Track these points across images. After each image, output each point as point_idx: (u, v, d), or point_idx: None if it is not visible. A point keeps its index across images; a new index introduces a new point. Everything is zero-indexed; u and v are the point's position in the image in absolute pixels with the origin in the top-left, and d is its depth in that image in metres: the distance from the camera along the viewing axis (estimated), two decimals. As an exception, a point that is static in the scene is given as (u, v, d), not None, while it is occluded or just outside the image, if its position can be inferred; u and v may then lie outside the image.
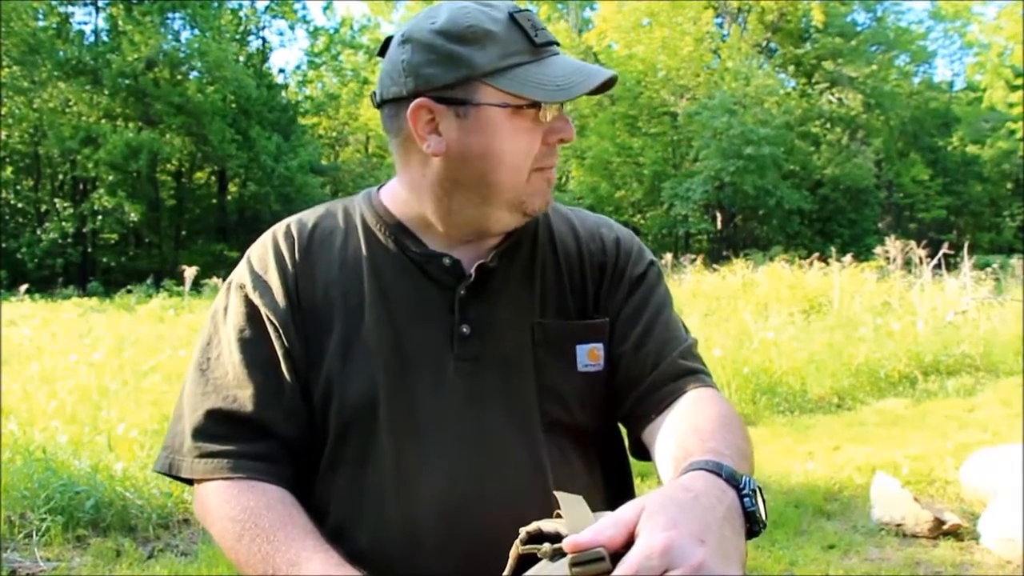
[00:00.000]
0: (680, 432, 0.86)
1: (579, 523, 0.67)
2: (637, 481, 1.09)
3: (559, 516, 0.72)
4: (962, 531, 3.20)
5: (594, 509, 0.74)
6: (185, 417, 0.94)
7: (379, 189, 1.05)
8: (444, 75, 0.89)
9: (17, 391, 5.15)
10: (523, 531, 0.72)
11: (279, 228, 1.03)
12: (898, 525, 3.25)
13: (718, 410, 0.89)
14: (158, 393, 5.06)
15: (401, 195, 1.00)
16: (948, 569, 2.92)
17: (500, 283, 0.98)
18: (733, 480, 0.70)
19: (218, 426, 0.92)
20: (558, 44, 0.93)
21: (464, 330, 0.95)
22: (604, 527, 0.62)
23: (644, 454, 0.99)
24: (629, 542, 0.61)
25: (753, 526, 0.69)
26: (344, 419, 0.94)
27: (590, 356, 0.99)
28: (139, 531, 3.23)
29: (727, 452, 0.76)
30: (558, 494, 0.72)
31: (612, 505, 0.71)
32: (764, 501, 0.72)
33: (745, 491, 0.69)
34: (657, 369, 0.96)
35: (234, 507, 0.87)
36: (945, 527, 3.19)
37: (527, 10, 0.93)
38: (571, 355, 0.98)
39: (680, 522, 0.60)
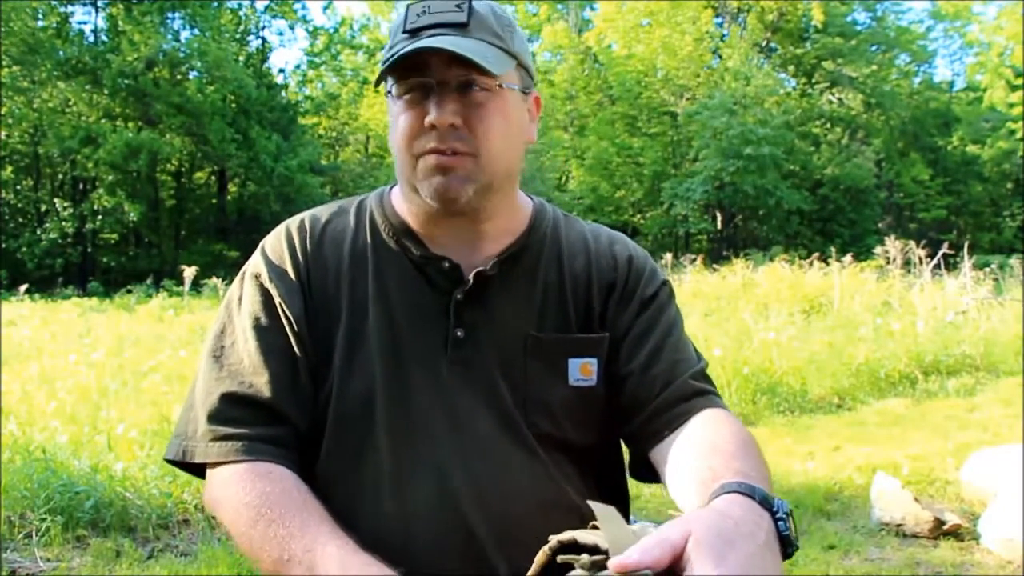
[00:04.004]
0: (700, 451, 0.86)
1: (620, 539, 0.66)
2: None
3: (595, 527, 0.71)
4: (962, 531, 3.20)
5: (584, 524, 0.73)
6: (198, 404, 0.94)
7: (391, 188, 1.06)
8: None
9: (17, 391, 5.14)
10: (554, 539, 0.71)
11: (293, 222, 1.04)
12: (898, 525, 3.25)
13: (734, 431, 0.89)
14: (158, 393, 5.05)
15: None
16: (948, 569, 2.92)
17: (498, 291, 0.98)
18: (767, 503, 0.70)
19: (233, 409, 0.92)
20: (458, 25, 0.90)
21: (459, 334, 0.96)
22: (649, 547, 0.61)
23: (645, 474, 0.99)
24: (673, 563, 0.61)
25: (787, 549, 0.69)
26: (343, 414, 0.95)
27: (582, 371, 0.98)
28: (139, 531, 3.22)
29: (754, 474, 0.76)
30: (593, 504, 0.71)
31: None
32: (794, 523, 0.72)
33: (779, 515, 0.70)
34: (667, 389, 0.95)
35: (249, 492, 0.87)
36: (945, 527, 3.18)
37: None
38: (563, 368, 0.98)
39: (727, 557, 0.61)
